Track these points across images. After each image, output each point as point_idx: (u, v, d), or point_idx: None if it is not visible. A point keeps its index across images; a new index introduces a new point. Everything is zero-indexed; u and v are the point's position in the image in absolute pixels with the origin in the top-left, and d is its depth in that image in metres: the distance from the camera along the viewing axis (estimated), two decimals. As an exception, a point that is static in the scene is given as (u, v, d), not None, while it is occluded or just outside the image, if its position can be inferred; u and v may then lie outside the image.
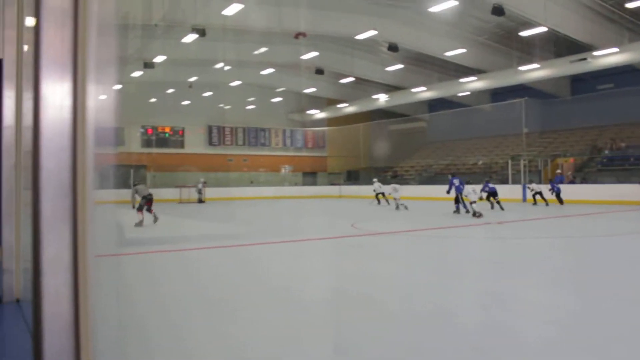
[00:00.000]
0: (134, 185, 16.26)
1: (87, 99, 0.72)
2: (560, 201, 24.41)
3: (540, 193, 25.35)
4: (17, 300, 1.91)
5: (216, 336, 5.22)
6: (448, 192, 20.54)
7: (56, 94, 0.71)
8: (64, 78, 0.72)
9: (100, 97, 0.76)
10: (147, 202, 15.74)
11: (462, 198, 20.00)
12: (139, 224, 15.18)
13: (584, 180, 29.46)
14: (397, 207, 22.98)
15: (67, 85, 0.72)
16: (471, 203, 18.56)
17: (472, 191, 18.87)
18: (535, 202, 25.39)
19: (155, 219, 15.84)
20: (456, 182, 20.20)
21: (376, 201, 27.24)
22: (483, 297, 6.68)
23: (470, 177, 34.85)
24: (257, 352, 4.71)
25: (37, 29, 0.71)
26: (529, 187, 26.18)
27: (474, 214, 18.21)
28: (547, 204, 24.71)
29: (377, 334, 5.12)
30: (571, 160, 33.28)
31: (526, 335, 4.98)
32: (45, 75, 0.71)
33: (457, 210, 20.24)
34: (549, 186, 25.01)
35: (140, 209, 15.47)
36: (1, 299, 1.93)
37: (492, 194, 22.08)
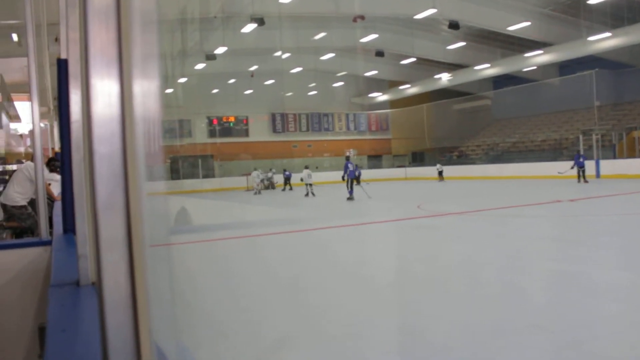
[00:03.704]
0: None
1: (133, 89, 0.79)
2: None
3: (441, 172, 33.58)
4: (93, 283, 2.06)
5: (285, 316, 5.37)
6: (343, 177, 20.43)
7: (104, 84, 0.78)
8: (111, 69, 0.78)
9: (147, 89, 0.83)
10: None
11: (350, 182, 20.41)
12: None
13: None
14: (307, 194, 23.87)
15: (114, 76, 0.79)
16: (309, 185, 23.49)
17: (308, 175, 23.96)
18: (443, 179, 33.15)
19: None
20: (351, 166, 20.12)
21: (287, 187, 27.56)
22: (552, 277, 6.55)
23: (538, 154, 33.86)
24: (327, 333, 4.81)
25: (84, 23, 0.78)
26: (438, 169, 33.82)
27: (307, 195, 23.29)
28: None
29: (441, 313, 5.13)
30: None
31: (595, 316, 4.87)
32: (94, 67, 0.78)
33: (352, 196, 20.10)
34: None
35: None
36: (78, 283, 2.08)
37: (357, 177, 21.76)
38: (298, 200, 22.91)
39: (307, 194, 23.91)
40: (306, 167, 26.15)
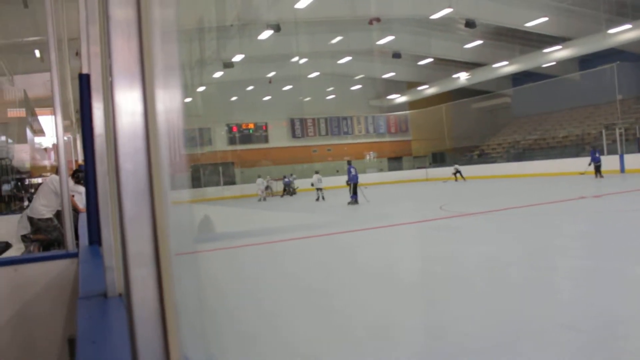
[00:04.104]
0: None
1: (156, 104, 0.79)
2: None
3: (459, 172, 33.82)
4: (120, 295, 2.08)
5: (309, 321, 5.36)
6: (347, 182, 20.27)
7: (128, 101, 0.79)
8: (134, 85, 0.79)
9: (169, 101, 0.83)
10: None
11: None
12: None
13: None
14: (318, 199, 24.13)
15: (137, 91, 0.79)
16: (319, 189, 24.13)
17: (318, 180, 24.36)
18: (456, 179, 33.85)
19: None
20: (353, 171, 19.89)
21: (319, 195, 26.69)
22: (582, 274, 6.46)
23: (560, 150, 33.43)
24: (352, 336, 4.80)
25: (107, 38, 0.79)
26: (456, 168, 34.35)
27: (318, 199, 23.87)
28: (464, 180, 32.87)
29: (468, 314, 5.09)
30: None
31: (628, 314, 4.79)
32: (117, 84, 0.79)
33: (356, 201, 19.93)
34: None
35: None
36: (106, 294, 2.11)
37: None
38: (312, 205, 22.85)
39: (317, 199, 24.17)
40: (316, 172, 26.39)
